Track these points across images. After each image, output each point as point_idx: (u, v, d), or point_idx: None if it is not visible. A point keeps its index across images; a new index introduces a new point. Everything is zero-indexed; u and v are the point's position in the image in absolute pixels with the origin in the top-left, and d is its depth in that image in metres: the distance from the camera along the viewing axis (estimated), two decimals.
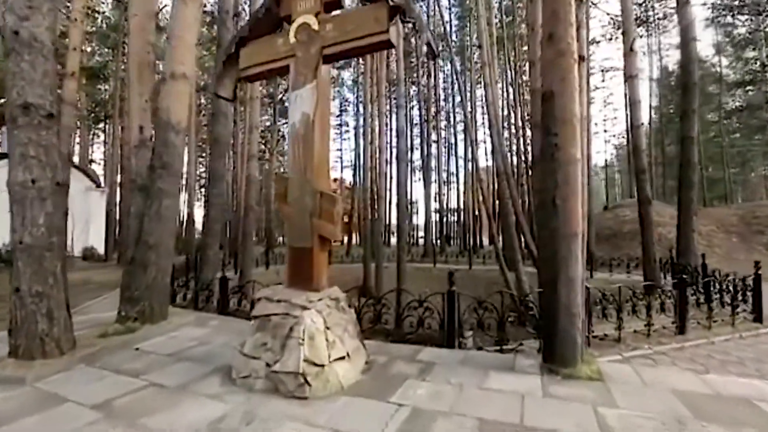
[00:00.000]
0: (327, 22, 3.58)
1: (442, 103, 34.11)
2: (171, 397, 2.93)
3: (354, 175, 27.72)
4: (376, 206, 14.80)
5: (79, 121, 30.23)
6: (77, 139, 31.08)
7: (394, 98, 14.57)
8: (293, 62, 3.72)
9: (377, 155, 14.80)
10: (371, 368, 3.53)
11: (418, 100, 32.19)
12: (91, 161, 32.64)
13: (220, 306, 6.13)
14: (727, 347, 5.15)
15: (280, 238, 42.08)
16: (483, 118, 34.40)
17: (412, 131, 36.89)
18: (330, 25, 3.56)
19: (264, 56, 3.90)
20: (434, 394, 2.99)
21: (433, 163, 31.35)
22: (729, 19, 27.66)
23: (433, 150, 31.49)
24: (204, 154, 32.95)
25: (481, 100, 33.80)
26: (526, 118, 28.92)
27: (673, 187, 31.49)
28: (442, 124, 34.52)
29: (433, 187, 31.04)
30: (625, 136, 31.63)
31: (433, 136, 31.89)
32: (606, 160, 44.99)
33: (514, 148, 26.06)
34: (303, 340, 3.05)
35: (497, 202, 23.79)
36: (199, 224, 27.69)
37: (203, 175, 36.83)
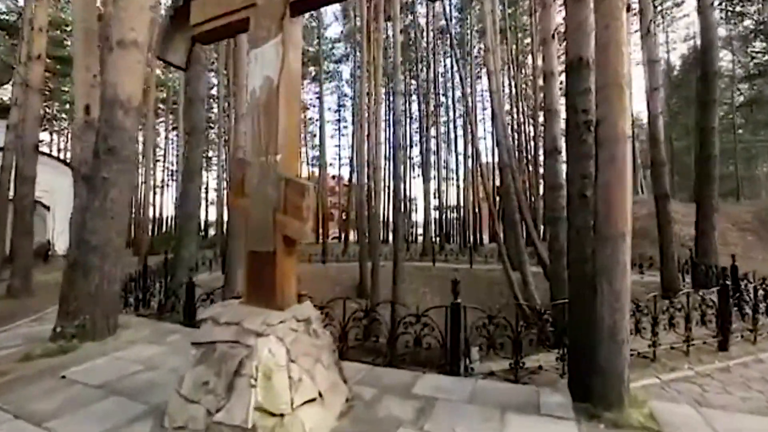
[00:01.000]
0: None
1: (442, 98, 33.20)
2: None
3: (351, 172, 26.87)
4: (372, 202, 13.97)
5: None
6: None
7: (391, 86, 13.73)
8: (253, 13, 2.89)
9: (374, 149, 13.97)
10: (353, 409, 2.71)
11: (417, 94, 31.27)
12: None
13: (187, 316, 5.31)
14: None
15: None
16: (483, 114, 33.73)
17: (410, 126, 36.06)
18: None
19: (218, 7, 3.06)
20: None
21: (433, 159, 30.46)
22: (738, 8, 26.75)
23: (432, 146, 30.58)
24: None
25: (481, 96, 33.12)
26: (528, 112, 28.20)
27: (680, 182, 30.77)
28: (442, 120, 33.61)
29: (433, 184, 30.16)
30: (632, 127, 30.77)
31: (432, 132, 30.98)
32: None
33: (515, 144, 25.22)
34: (256, 379, 2.23)
35: (498, 198, 23.00)
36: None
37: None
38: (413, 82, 33.52)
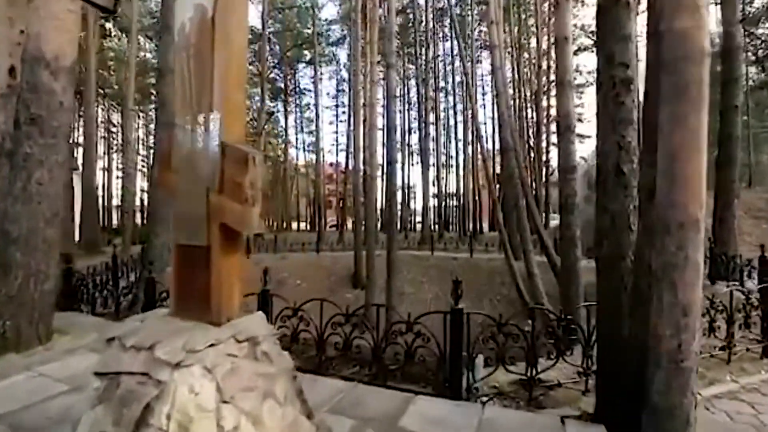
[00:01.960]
0: None
1: (441, 83, 32.16)
2: None
3: (347, 158, 26.06)
4: (367, 188, 13.23)
5: None
6: None
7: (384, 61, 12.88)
8: None
9: (370, 133, 13.16)
10: None
11: (416, 78, 30.28)
12: None
13: None
14: None
15: (267, 223, 40.64)
16: (483, 99, 32.69)
17: (409, 113, 35.10)
18: None
19: None
20: None
21: (432, 145, 29.60)
22: None
23: (431, 132, 29.65)
24: None
25: (482, 79, 32.06)
26: (530, 97, 27.26)
27: None
28: (441, 106, 32.58)
29: (432, 171, 29.35)
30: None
31: (431, 118, 30.01)
32: None
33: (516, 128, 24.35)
34: (167, 430, 1.53)
35: (499, 184, 22.26)
36: None
37: None
38: (412, 66, 32.51)
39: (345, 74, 35.39)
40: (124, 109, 17.25)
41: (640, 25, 6.63)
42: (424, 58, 28.54)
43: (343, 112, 38.39)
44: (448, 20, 24.82)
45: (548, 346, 3.18)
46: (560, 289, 6.24)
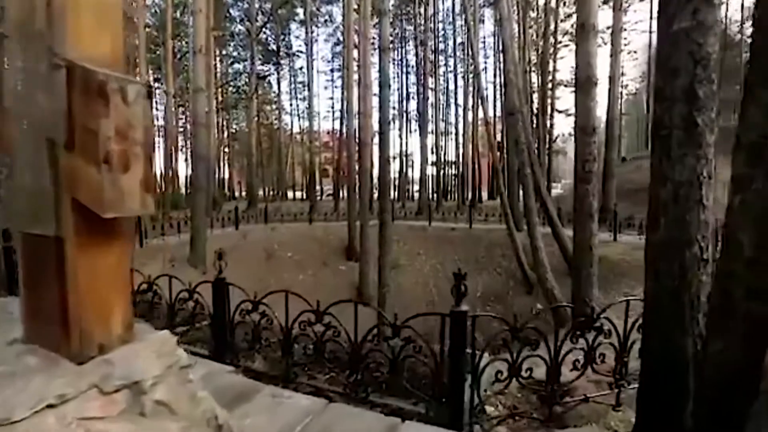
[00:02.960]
0: None
1: (441, 45, 30.49)
2: None
3: (340, 122, 24.93)
4: (361, 155, 12.37)
5: None
6: None
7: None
8: None
9: (364, 94, 12.16)
10: None
11: (415, 40, 28.66)
12: None
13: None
14: None
15: (261, 192, 39.79)
16: (485, 63, 31.08)
17: (407, 79, 33.60)
18: None
19: None
20: None
21: (430, 112, 28.39)
22: None
23: (430, 98, 28.31)
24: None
25: (483, 41, 30.38)
26: (536, 60, 25.86)
27: None
28: (441, 70, 31.01)
29: (430, 138, 28.28)
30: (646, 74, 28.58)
31: (431, 83, 28.58)
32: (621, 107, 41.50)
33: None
34: None
35: (501, 151, 21.34)
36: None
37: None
38: (410, 27, 30.78)
39: (341, 36, 33.55)
40: None
41: None
42: (422, 16, 26.83)
43: (339, 77, 36.77)
44: None
45: (576, 353, 2.51)
46: (571, 270, 5.58)
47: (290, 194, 38.84)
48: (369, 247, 11.67)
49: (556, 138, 30.45)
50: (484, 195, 31.23)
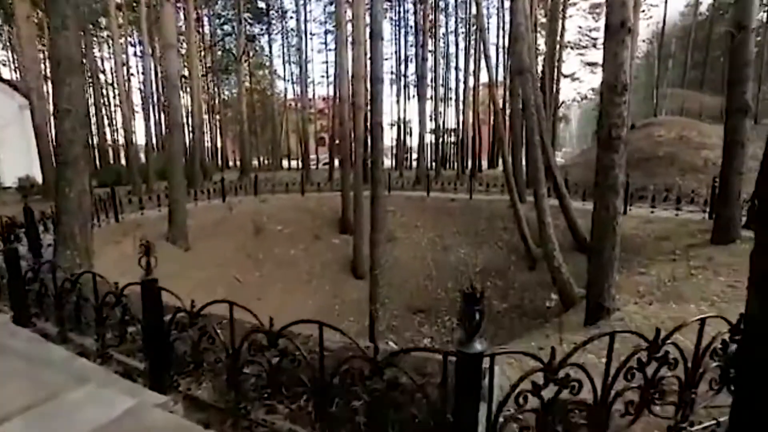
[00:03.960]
0: None
1: (441, 3, 28.53)
2: None
3: (334, 86, 23.58)
4: (355, 121, 11.41)
5: None
6: None
7: None
8: None
9: (357, 53, 11.06)
10: None
11: None
12: None
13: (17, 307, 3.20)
14: None
15: (257, 162, 38.62)
16: (488, 22, 29.27)
17: (406, 40, 31.76)
18: None
19: None
20: None
21: (429, 76, 26.92)
22: None
23: (429, 61, 26.70)
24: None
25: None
26: (543, 21, 24.22)
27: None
28: (441, 31, 29.16)
29: (429, 104, 26.95)
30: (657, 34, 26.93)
31: (430, 46, 26.90)
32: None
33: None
34: None
35: (504, 117, 20.23)
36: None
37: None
38: None
39: None
40: None
41: None
42: None
43: (333, 40, 34.83)
44: None
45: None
46: (589, 252, 4.86)
47: (285, 163, 37.74)
48: (363, 221, 10.94)
49: (561, 104, 29.20)
50: (484, 164, 30.25)
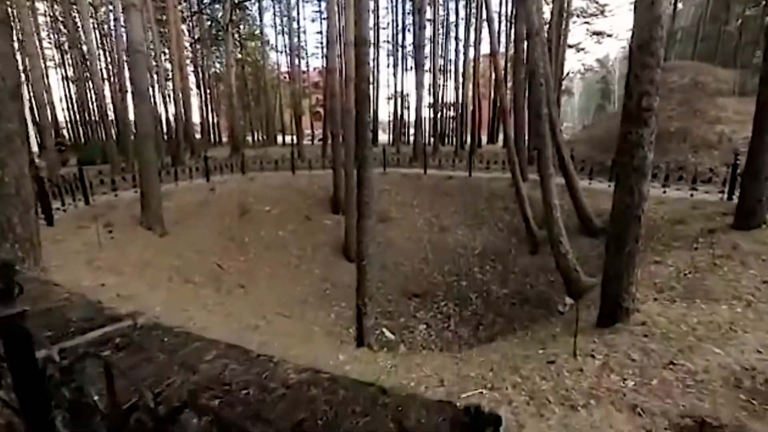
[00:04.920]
0: None
1: None
2: None
3: (326, 59, 22.35)
4: (345, 93, 10.53)
5: None
6: None
7: None
8: None
9: (346, 13, 10.06)
10: None
11: None
12: None
13: None
14: None
15: (250, 138, 37.46)
16: None
17: (404, 6, 30.15)
18: None
19: None
20: None
21: (428, 47, 25.58)
22: None
23: (428, 30, 25.30)
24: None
25: None
26: None
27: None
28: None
29: (427, 77, 25.74)
30: None
31: (429, 14, 25.43)
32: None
33: None
34: None
35: (508, 90, 19.15)
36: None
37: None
38: None
39: None
40: None
41: None
42: None
43: (327, 7, 33.05)
44: None
45: None
46: (608, 243, 4.18)
47: (280, 139, 36.62)
48: (354, 200, 10.20)
49: (566, 75, 28.00)
50: (484, 139, 29.28)
